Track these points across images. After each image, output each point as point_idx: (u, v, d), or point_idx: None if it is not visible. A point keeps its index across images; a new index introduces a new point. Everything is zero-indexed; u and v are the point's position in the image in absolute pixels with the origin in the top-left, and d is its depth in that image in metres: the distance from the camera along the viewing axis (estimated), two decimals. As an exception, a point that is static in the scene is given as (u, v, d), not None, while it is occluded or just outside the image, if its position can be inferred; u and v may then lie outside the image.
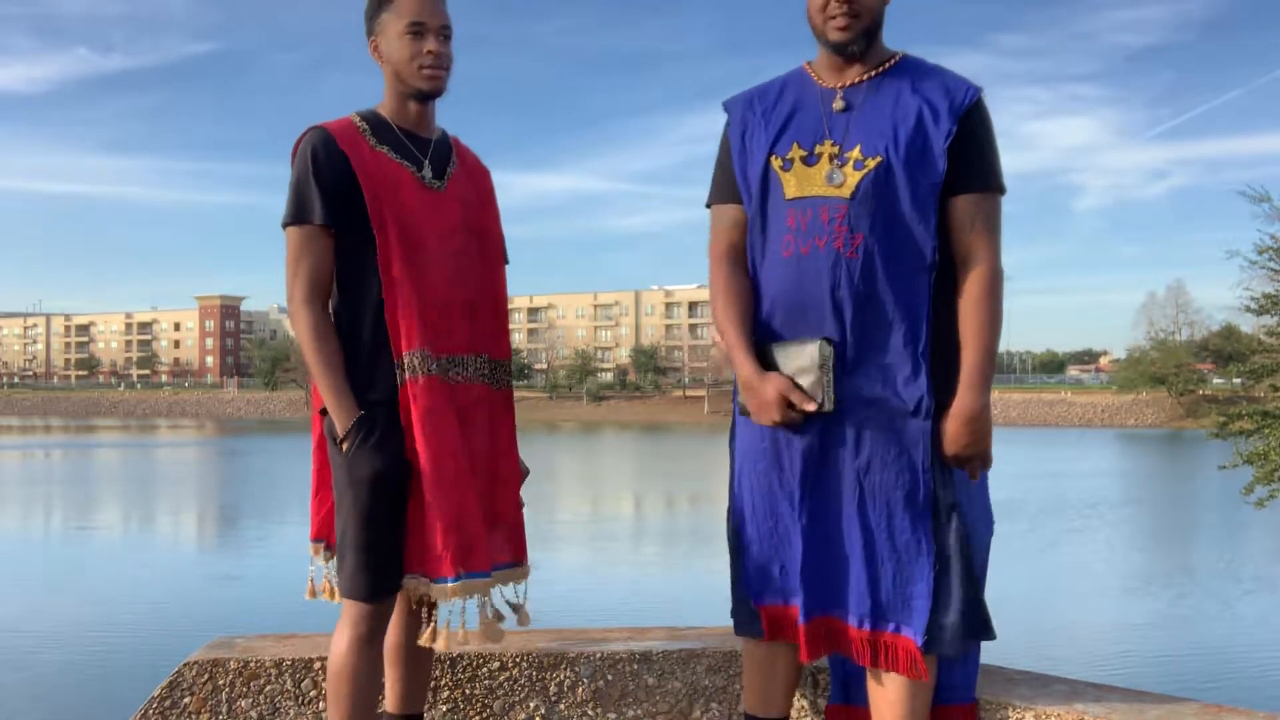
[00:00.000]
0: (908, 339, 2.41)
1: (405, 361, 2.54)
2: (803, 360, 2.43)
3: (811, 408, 2.41)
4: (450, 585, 2.50)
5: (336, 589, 2.67)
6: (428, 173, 2.64)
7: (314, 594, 2.79)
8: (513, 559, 2.70)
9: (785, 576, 2.50)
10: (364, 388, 2.55)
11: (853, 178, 2.42)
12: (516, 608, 2.75)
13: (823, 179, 2.45)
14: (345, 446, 2.51)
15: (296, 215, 2.55)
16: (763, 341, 2.52)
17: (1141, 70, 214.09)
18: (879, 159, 2.42)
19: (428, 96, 2.65)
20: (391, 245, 2.54)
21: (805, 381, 2.42)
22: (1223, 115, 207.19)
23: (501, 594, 2.69)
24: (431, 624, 2.63)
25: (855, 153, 2.44)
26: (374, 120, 2.65)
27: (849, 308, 2.41)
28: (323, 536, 2.73)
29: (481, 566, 2.56)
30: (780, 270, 2.48)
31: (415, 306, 2.54)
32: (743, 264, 2.58)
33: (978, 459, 2.43)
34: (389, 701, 2.74)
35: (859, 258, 2.40)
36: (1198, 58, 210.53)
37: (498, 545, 2.65)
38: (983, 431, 2.41)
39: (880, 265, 2.41)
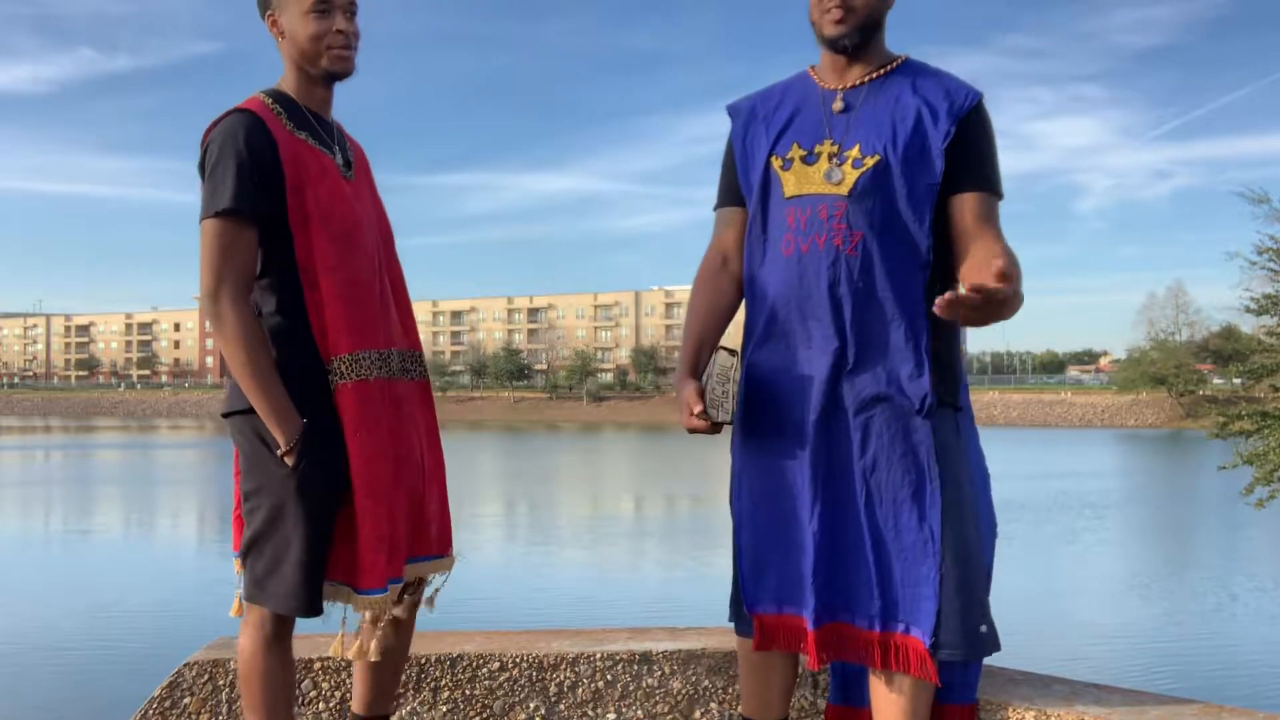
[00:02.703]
0: (909, 336, 2.40)
1: (335, 366, 2.41)
2: (712, 368, 2.47)
3: (698, 409, 2.41)
4: (378, 598, 2.42)
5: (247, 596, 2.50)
6: (340, 160, 2.50)
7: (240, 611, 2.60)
8: (439, 551, 2.62)
9: (786, 584, 2.48)
10: (295, 395, 2.39)
11: (851, 175, 2.43)
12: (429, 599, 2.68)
13: (821, 177, 2.46)
14: (290, 460, 2.35)
15: (229, 205, 2.32)
16: (765, 341, 2.54)
17: (1146, 71, 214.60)
18: (877, 158, 2.42)
19: (335, 78, 2.50)
20: (316, 240, 2.39)
21: (710, 390, 2.44)
22: (1227, 115, 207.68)
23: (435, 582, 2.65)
24: (341, 635, 2.55)
25: (854, 151, 2.45)
26: (285, 102, 2.47)
27: (849, 305, 2.41)
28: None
29: (399, 573, 2.49)
30: (781, 268, 2.48)
31: (345, 305, 2.41)
32: (723, 273, 2.63)
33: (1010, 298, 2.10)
34: (355, 703, 2.67)
35: (858, 255, 2.41)
36: (1203, 58, 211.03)
37: (424, 540, 2.58)
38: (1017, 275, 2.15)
39: (879, 263, 2.41)
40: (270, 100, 2.45)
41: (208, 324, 2.46)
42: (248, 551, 2.44)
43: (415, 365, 2.63)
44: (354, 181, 2.53)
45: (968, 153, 2.42)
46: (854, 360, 2.42)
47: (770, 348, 2.53)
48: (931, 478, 2.38)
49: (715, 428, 2.45)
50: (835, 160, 2.46)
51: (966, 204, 2.42)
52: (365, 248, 2.48)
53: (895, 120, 2.43)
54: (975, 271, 2.29)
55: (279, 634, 2.45)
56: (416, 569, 2.59)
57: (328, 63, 2.46)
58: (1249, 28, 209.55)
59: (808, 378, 2.45)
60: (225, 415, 2.51)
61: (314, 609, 2.43)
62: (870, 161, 2.42)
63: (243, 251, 2.36)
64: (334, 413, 2.42)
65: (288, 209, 2.38)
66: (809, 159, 2.49)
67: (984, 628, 2.40)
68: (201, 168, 2.41)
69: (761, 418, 2.53)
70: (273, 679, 2.44)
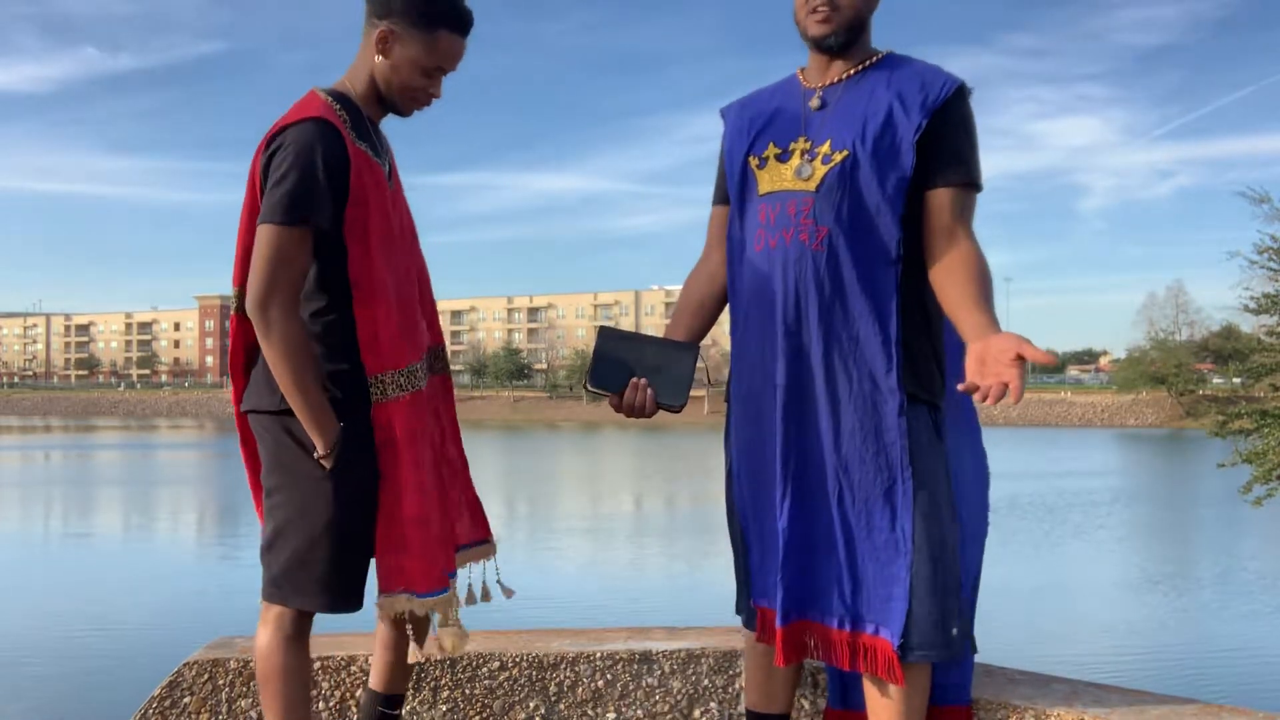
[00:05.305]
0: (877, 332, 2.40)
1: (385, 379, 2.44)
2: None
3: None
4: (440, 598, 2.47)
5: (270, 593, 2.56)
6: (386, 169, 2.54)
7: None
8: (482, 537, 2.70)
9: (768, 578, 2.49)
10: (335, 402, 2.42)
11: (820, 171, 2.44)
12: (502, 587, 2.73)
13: (792, 174, 2.48)
14: (328, 463, 2.39)
15: (297, 216, 2.33)
16: (741, 337, 2.56)
17: (1150, 70, 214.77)
18: (846, 153, 2.43)
19: (397, 114, 2.58)
20: (374, 255, 2.42)
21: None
22: (1231, 114, 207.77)
23: (484, 570, 2.69)
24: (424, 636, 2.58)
25: (825, 148, 2.46)
26: (349, 107, 2.48)
27: (813, 300, 2.42)
28: None
29: (452, 565, 2.56)
30: (752, 264, 2.51)
31: (397, 320, 2.46)
32: (708, 270, 2.68)
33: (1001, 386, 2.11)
34: (375, 680, 2.68)
35: (824, 250, 2.41)
36: (1207, 57, 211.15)
37: (464, 529, 2.65)
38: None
39: (845, 258, 2.41)
40: (337, 106, 2.44)
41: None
42: (269, 548, 2.45)
43: (438, 361, 2.68)
44: (394, 190, 2.57)
45: (944, 145, 2.42)
46: (821, 356, 2.42)
47: (745, 343, 2.55)
48: (904, 478, 2.37)
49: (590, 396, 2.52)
50: (807, 157, 2.47)
51: (941, 200, 2.42)
52: (402, 256, 2.53)
53: (867, 115, 2.44)
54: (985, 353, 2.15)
55: (299, 631, 2.47)
56: (468, 555, 2.65)
57: (402, 106, 2.54)
58: (1252, 27, 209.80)
59: (775, 373, 2.46)
60: (250, 412, 2.51)
61: (344, 605, 2.46)
62: (839, 157, 2.43)
63: (299, 262, 2.37)
64: (368, 422, 2.45)
65: (345, 223, 2.40)
66: (783, 156, 2.51)
67: (955, 630, 2.37)
68: (266, 169, 2.38)
69: (742, 412, 2.55)
70: (292, 677, 2.46)
